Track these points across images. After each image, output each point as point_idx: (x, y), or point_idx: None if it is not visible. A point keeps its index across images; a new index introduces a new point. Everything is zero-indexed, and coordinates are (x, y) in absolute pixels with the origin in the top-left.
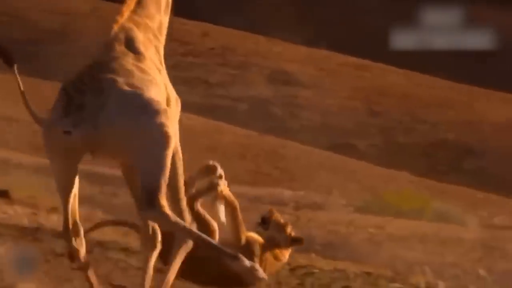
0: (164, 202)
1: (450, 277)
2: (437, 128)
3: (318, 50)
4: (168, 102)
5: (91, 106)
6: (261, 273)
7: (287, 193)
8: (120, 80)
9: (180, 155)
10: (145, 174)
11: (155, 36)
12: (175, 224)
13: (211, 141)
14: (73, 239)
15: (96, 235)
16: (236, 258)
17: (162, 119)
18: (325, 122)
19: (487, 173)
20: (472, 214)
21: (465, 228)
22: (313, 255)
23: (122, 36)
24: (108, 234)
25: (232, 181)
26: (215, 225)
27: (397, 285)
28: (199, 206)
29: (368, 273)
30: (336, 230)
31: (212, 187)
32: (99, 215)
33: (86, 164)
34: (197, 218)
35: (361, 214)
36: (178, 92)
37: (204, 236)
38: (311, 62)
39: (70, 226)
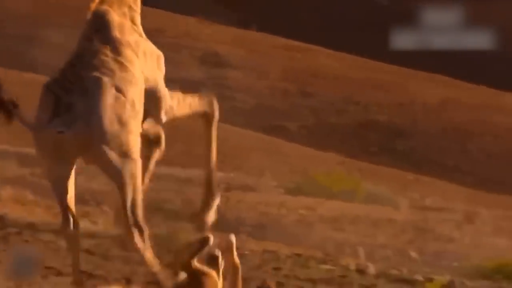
0: (143, 226)
1: (381, 259)
2: (368, 109)
3: (249, 32)
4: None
5: (81, 106)
6: None
7: (218, 175)
8: (105, 79)
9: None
10: (123, 197)
11: (130, 7)
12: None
13: None
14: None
15: (27, 216)
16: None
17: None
18: (256, 104)
19: (418, 155)
20: (403, 196)
21: (396, 209)
22: (243, 236)
23: (98, 23)
24: (39, 215)
25: (163, 162)
26: (215, 277)
27: (327, 266)
28: (196, 264)
29: (299, 255)
30: (267, 211)
31: (205, 243)
32: (29, 197)
33: (16, 146)
34: (197, 275)
35: (292, 195)
36: None
37: (159, 274)
38: (242, 44)
39: (71, 226)
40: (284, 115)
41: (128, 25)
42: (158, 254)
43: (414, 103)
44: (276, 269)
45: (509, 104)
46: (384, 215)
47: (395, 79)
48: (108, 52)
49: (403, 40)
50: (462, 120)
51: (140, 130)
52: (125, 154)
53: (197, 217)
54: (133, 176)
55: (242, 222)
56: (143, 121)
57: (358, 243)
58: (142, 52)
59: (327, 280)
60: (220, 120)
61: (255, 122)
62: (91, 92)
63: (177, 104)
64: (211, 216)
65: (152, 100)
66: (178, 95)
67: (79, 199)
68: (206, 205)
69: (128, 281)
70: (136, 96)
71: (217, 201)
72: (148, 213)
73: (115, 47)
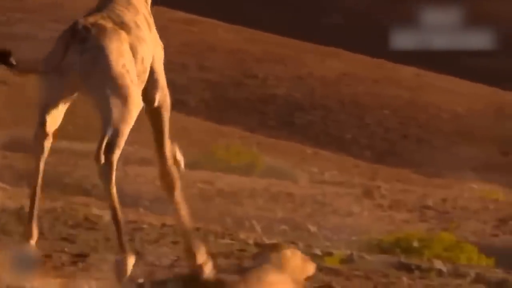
0: (114, 161)
1: (279, 233)
2: (267, 83)
3: None
4: (154, 59)
5: (93, 43)
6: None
7: None
8: (122, 32)
9: (167, 105)
10: (106, 128)
11: None
12: (107, 186)
13: None
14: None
15: None
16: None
17: (125, 82)
18: None
19: (317, 129)
20: (302, 170)
21: (295, 183)
22: (141, 210)
23: None
24: None
25: (61, 137)
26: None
27: (226, 240)
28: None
29: (198, 229)
30: None
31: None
32: None
33: None
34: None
35: (191, 169)
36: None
37: (118, 218)
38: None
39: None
40: (182, 89)
41: (143, 2)
42: (54, 228)
43: (312, 77)
44: (175, 243)
45: (406, 77)
46: (282, 189)
47: (293, 53)
48: (127, 12)
49: (301, 13)
50: (360, 94)
51: (142, 87)
52: (122, 95)
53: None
54: (125, 113)
55: (140, 196)
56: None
57: (257, 217)
58: (152, 30)
59: (226, 254)
60: None
61: None
62: (106, 38)
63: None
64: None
65: (151, 81)
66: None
67: None
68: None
69: None
70: (145, 55)
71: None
72: (46, 187)
73: (134, 12)
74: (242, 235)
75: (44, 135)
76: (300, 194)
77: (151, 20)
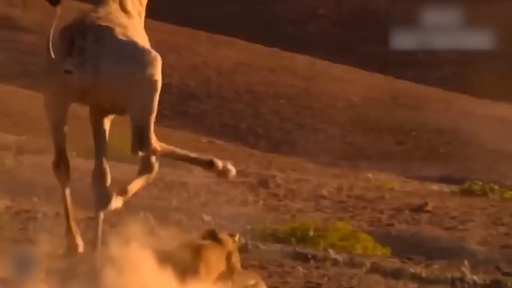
0: (153, 139)
1: (174, 222)
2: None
3: None
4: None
5: (92, 51)
6: (233, 171)
7: (10, 138)
8: (117, 29)
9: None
10: (136, 117)
11: None
12: (165, 152)
13: None
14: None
15: None
16: (211, 162)
17: (154, 69)
18: None
19: (211, 118)
20: None
21: (189, 172)
22: (35, 199)
23: None
24: None
25: None
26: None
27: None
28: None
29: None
30: None
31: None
32: None
33: None
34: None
35: (85, 159)
36: None
37: (189, 155)
38: (35, 7)
39: (62, 159)
40: None
41: (136, 2)
42: None
43: (207, 66)
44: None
45: (301, 67)
46: (177, 178)
47: (187, 41)
48: (123, 15)
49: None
50: (255, 83)
51: (154, 53)
52: (143, 77)
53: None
54: (152, 97)
55: (35, 185)
56: None
57: (151, 206)
58: (142, 13)
59: None
60: (10, 83)
61: None
62: (103, 39)
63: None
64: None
65: None
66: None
67: None
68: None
69: None
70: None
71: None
72: None
73: (128, 16)
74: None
75: (65, 162)
76: (195, 183)
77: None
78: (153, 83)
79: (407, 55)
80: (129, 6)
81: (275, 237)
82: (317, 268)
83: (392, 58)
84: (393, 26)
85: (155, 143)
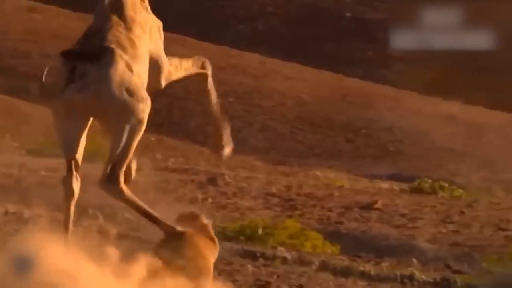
0: (122, 180)
1: (124, 221)
2: None
3: None
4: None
5: (94, 74)
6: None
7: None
8: (118, 52)
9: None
10: (114, 151)
11: None
12: (129, 200)
13: None
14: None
15: None
16: (173, 229)
17: (144, 115)
18: None
19: (161, 116)
20: (146, 157)
21: (138, 170)
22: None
23: (114, 1)
24: None
25: None
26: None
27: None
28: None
29: (40, 216)
30: (8, 173)
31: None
32: None
33: None
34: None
35: (34, 157)
36: None
37: (148, 211)
38: None
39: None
40: (26, 77)
41: (138, 3)
42: None
43: None
44: (18, 230)
45: (250, 65)
46: None
47: None
48: (122, 29)
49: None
50: None
51: (147, 98)
52: (132, 120)
53: (215, 152)
54: (134, 138)
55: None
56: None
57: (100, 204)
58: (149, 28)
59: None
60: None
61: None
62: (103, 62)
63: (175, 69)
64: (227, 148)
65: (154, 68)
66: (175, 61)
67: None
68: (219, 139)
69: None
70: (141, 70)
71: (227, 132)
72: None
73: (128, 25)
74: (85, 223)
75: (73, 179)
76: (144, 181)
77: (148, 18)
78: (140, 127)
79: (357, 52)
80: (131, 11)
81: (224, 235)
82: (266, 266)
83: (342, 56)
84: (343, 24)
85: (123, 185)
